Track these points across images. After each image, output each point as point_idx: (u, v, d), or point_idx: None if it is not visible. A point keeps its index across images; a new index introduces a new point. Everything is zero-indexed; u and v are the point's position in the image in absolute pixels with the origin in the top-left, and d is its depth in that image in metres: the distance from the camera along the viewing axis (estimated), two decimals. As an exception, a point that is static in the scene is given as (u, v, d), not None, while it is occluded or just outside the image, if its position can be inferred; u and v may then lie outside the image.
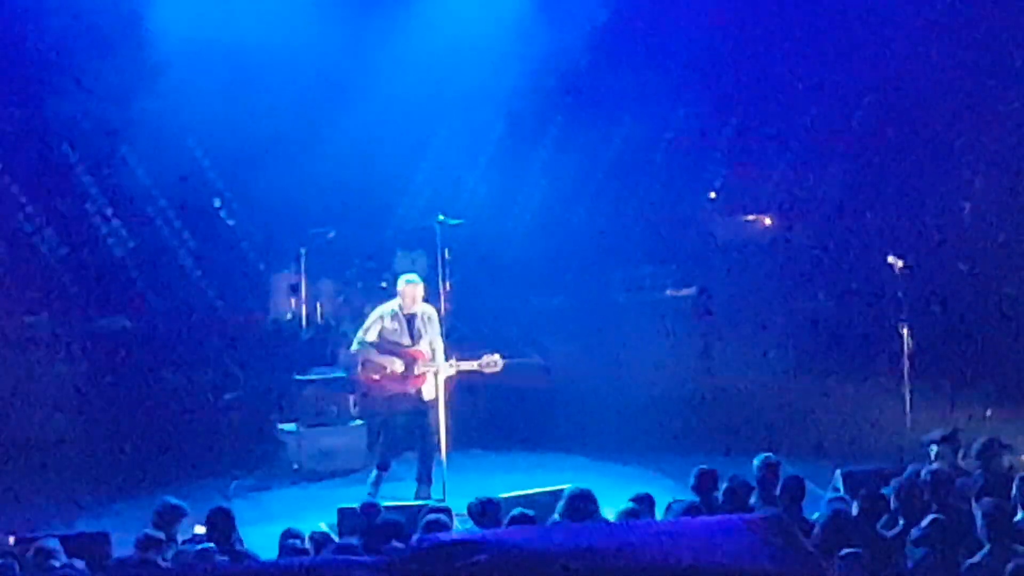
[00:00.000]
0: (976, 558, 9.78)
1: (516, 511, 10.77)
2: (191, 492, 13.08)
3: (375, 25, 17.65)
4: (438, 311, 14.75)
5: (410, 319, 14.50)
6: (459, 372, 14.36)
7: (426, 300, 14.66)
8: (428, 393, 14.40)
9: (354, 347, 14.72)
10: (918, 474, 11.37)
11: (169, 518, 11.29)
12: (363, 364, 14.57)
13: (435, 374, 14.30)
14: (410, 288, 14.54)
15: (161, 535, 10.86)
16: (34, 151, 18.15)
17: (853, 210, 19.62)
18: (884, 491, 11.03)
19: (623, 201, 19.69)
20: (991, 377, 16.67)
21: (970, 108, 18.93)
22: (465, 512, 11.31)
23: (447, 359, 14.36)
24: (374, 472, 14.62)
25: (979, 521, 9.95)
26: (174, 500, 11.57)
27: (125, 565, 10.58)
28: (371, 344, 14.51)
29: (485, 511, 11.00)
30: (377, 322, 14.56)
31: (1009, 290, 18.13)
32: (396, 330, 14.49)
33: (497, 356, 14.30)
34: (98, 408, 16.92)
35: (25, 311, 17.68)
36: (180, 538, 11.25)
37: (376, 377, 14.50)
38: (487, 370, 14.30)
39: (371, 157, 18.13)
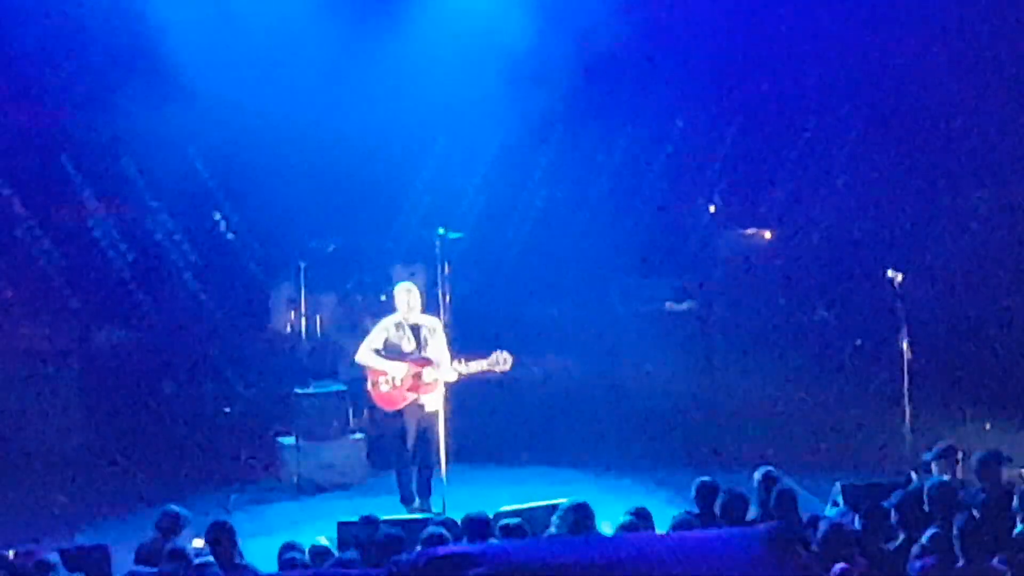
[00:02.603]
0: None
1: (503, 522, 10.75)
2: (191, 505, 13.03)
3: (373, 38, 17.65)
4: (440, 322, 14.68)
5: (415, 329, 14.43)
6: (468, 374, 14.23)
7: (424, 312, 14.62)
8: (431, 404, 14.31)
9: (359, 356, 14.59)
10: (919, 487, 11.37)
11: (171, 527, 11.31)
12: (371, 379, 14.48)
13: (444, 382, 14.19)
14: (406, 294, 14.48)
15: (163, 544, 10.87)
16: (33, 162, 18.14)
17: (852, 224, 19.63)
18: (884, 504, 11.02)
19: (622, 214, 19.66)
20: (990, 390, 16.67)
21: (970, 122, 18.94)
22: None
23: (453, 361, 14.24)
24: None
25: (954, 535, 9.91)
26: (176, 508, 11.59)
27: None
28: (376, 352, 14.42)
29: (475, 528, 10.93)
30: (382, 332, 14.48)
31: (1008, 303, 18.13)
32: (402, 339, 14.40)
33: (507, 354, 14.13)
34: (98, 421, 16.91)
35: (24, 323, 17.67)
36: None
37: (384, 391, 14.44)
38: (497, 369, 14.15)
39: (370, 170, 18.13)
